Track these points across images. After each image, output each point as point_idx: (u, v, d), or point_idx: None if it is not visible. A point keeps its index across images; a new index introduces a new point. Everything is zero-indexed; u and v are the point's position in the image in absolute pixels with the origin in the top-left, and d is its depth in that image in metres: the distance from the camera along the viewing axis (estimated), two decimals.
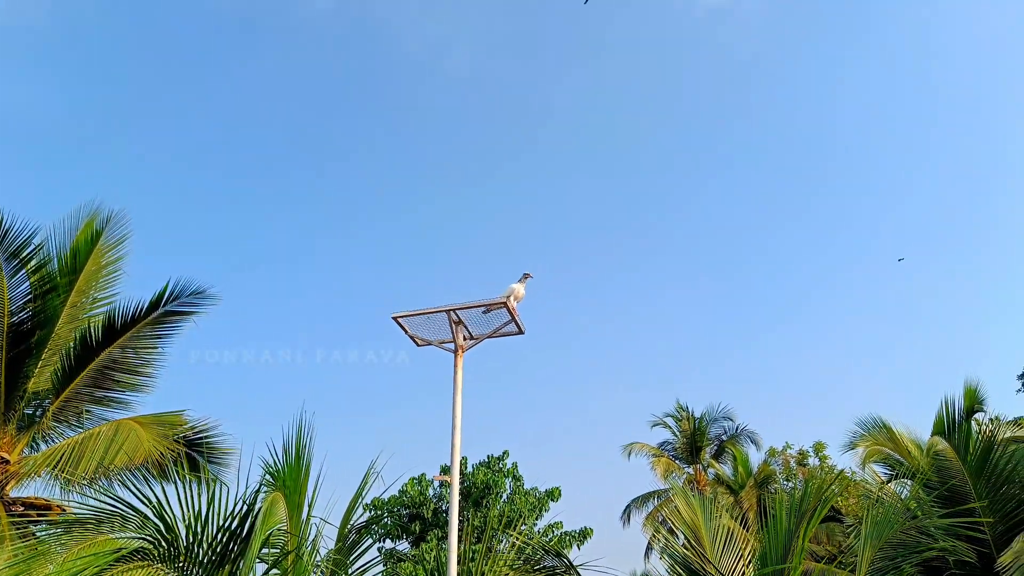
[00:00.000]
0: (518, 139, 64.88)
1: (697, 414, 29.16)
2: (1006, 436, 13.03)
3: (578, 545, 18.68)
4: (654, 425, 29.81)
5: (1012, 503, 11.52)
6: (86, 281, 12.54)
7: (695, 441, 28.79)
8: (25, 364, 12.02)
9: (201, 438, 12.98)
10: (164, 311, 12.69)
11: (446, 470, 17.17)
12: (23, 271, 11.96)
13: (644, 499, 27.37)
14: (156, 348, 12.95)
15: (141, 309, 12.46)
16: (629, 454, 28.26)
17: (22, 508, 11.55)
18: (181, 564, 9.18)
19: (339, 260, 64.28)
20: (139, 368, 12.99)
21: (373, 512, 17.13)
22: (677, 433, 29.47)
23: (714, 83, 58.92)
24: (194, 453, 12.86)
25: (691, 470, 28.05)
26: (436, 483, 19.11)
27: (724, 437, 29.09)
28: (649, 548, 26.31)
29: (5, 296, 11.83)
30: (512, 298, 8.93)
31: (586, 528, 19.23)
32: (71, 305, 12.36)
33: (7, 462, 11.69)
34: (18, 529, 10.46)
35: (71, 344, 12.32)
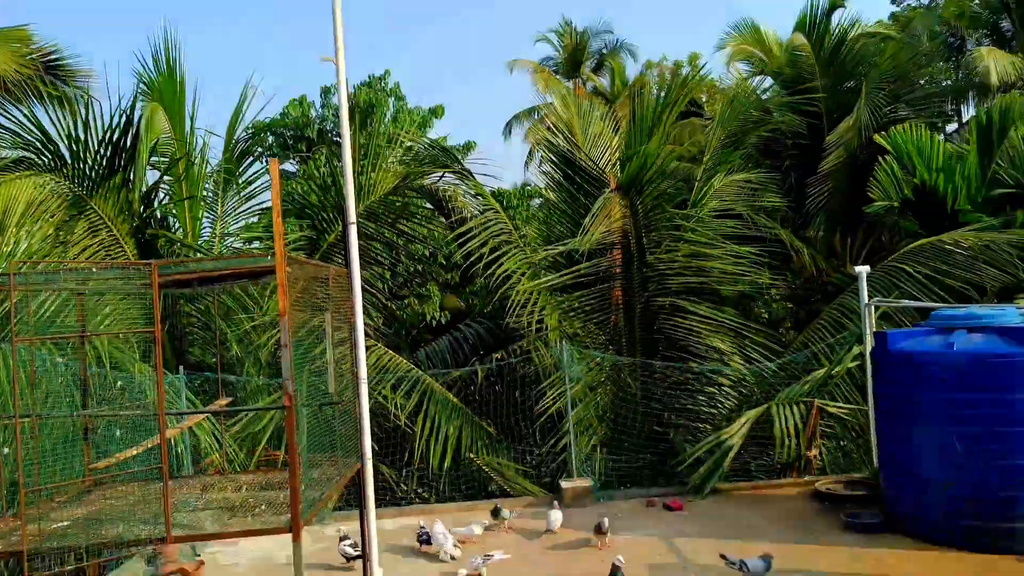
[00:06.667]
0: None
1: (579, 28, 29.00)
2: (859, 32, 13.84)
3: (461, 157, 19.57)
4: (537, 40, 29.71)
5: (848, 93, 12.76)
6: None
7: (576, 56, 29.04)
8: None
9: (56, 61, 12.18)
10: None
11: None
12: None
13: (526, 114, 28.12)
14: None
15: None
16: (511, 70, 28.41)
17: None
18: (68, 173, 9.22)
19: None
20: None
21: (255, 134, 17.12)
22: (559, 48, 29.56)
23: None
24: (51, 77, 12.16)
25: (571, 84, 28.63)
26: (318, 104, 18.91)
27: (604, 51, 29.49)
28: (528, 159, 27.78)
29: None
30: None
31: (469, 142, 19.94)
32: None
33: None
34: None
35: None
